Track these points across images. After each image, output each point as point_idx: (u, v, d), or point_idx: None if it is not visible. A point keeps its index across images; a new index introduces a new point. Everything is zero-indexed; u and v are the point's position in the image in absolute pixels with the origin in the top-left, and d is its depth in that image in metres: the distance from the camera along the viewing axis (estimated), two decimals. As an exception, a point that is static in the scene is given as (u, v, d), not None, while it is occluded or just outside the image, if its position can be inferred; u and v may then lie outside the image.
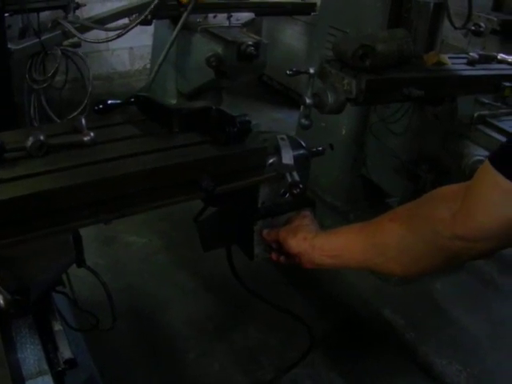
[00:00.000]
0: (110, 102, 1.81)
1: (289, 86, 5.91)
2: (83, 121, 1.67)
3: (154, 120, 1.79)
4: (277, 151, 1.76)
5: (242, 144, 1.69)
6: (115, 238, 3.76)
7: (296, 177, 1.70)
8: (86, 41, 3.69)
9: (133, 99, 1.84)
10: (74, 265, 1.76)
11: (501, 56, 3.16)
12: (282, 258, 1.77)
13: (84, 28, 3.88)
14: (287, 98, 5.93)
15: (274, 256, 1.80)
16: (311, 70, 2.54)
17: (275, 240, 1.75)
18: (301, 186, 1.68)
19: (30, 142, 1.55)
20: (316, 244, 1.62)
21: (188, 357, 2.95)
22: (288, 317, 2.22)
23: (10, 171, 1.48)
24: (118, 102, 1.83)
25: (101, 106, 1.79)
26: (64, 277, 1.85)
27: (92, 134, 1.62)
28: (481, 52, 3.19)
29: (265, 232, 1.80)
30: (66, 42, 4.12)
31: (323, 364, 2.96)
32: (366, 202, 3.83)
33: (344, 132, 3.69)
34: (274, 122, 5.39)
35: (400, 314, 3.31)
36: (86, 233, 1.71)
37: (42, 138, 1.56)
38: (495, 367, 3.03)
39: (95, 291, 2.13)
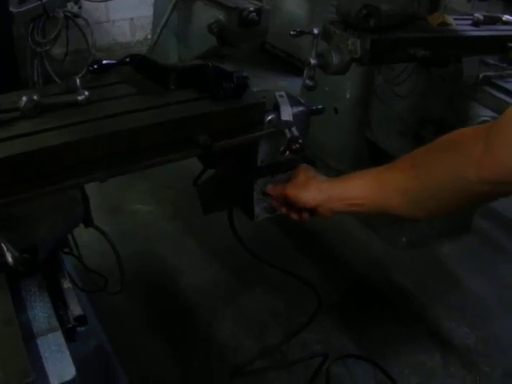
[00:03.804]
0: (105, 61, 1.78)
1: (291, 53, 5.86)
2: (78, 80, 1.64)
3: (150, 79, 1.76)
4: (275, 108, 1.73)
5: (240, 99, 1.66)
6: (121, 207, 3.76)
7: (295, 132, 1.68)
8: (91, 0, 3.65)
9: (128, 59, 1.81)
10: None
11: (506, 17, 3.11)
12: (292, 214, 1.73)
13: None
14: (290, 65, 5.88)
15: (283, 210, 1.76)
16: (315, 31, 2.50)
17: (282, 195, 1.71)
18: (300, 141, 1.65)
19: (23, 102, 1.52)
20: (333, 194, 1.59)
21: (197, 323, 2.95)
22: (296, 281, 2.21)
23: (4, 131, 1.46)
24: (114, 61, 1.80)
25: (96, 66, 1.76)
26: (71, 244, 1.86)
27: (87, 93, 1.59)
28: (485, 13, 3.14)
29: (270, 187, 1.76)
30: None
31: (333, 329, 2.96)
32: (370, 165, 3.80)
33: (348, 95, 3.66)
34: (278, 89, 5.34)
35: (409, 278, 3.31)
36: (91, 201, 1.70)
37: (35, 97, 1.54)
38: (503, 330, 3.04)
39: (102, 259, 2.14)
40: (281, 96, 1.76)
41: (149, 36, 5.52)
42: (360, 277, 3.32)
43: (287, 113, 1.72)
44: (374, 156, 3.74)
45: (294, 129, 1.68)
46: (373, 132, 3.65)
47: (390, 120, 3.45)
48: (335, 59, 2.55)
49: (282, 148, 1.74)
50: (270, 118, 1.71)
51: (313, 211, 1.66)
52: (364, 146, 3.76)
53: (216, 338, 2.87)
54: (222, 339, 2.87)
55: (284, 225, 3.51)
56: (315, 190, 1.62)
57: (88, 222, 1.67)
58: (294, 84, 5.00)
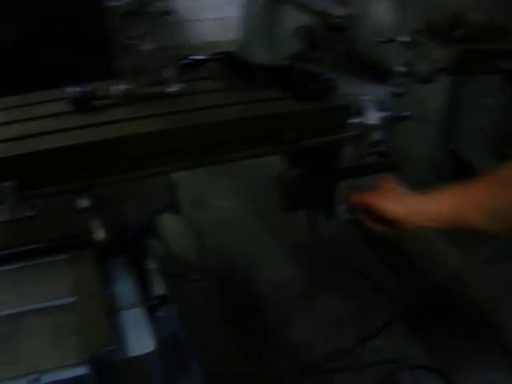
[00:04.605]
0: (196, 57, 1.84)
1: (378, 60, 5.83)
2: (169, 73, 1.71)
3: (239, 76, 1.81)
4: (361, 111, 1.75)
5: (326, 100, 1.68)
6: (204, 202, 3.83)
7: (379, 137, 1.69)
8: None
9: (217, 56, 1.87)
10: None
11: None
12: (370, 223, 1.73)
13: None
14: (376, 72, 5.85)
15: (361, 217, 1.76)
16: (403, 39, 2.51)
17: (363, 204, 1.72)
18: (384, 145, 1.67)
19: (117, 90, 1.61)
20: (415, 208, 1.57)
21: (270, 320, 2.97)
22: (372, 286, 2.21)
23: (98, 117, 1.55)
24: (204, 57, 1.86)
25: (187, 61, 1.83)
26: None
27: (178, 85, 1.65)
28: None
29: (351, 196, 1.77)
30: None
31: (406, 337, 2.93)
32: (453, 177, 3.75)
33: (434, 105, 3.62)
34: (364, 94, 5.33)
35: (488, 295, 3.24)
36: (176, 193, 1.75)
37: (128, 87, 1.61)
38: None
39: (182, 249, 2.20)
40: (367, 100, 1.78)
41: (235, 37, 5.60)
42: (437, 287, 3.28)
43: (373, 116, 1.73)
44: (457, 168, 3.69)
45: (378, 133, 1.70)
46: (457, 144, 3.60)
47: (474, 133, 3.39)
48: (421, 68, 2.54)
49: (366, 151, 1.75)
50: (355, 120, 1.73)
51: (391, 223, 1.66)
52: (447, 158, 3.71)
53: (289, 335, 2.88)
54: (295, 337, 2.88)
55: (363, 228, 3.50)
56: (396, 202, 1.62)
57: (176, 209, 1.73)
58: (380, 91, 4.99)
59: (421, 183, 3.70)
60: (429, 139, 3.72)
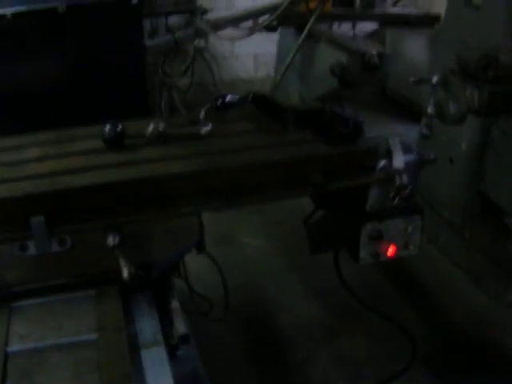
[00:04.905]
0: (228, 98, 1.87)
1: (411, 99, 5.82)
2: (202, 113, 1.74)
3: (269, 117, 1.84)
4: (388, 154, 1.76)
5: (354, 144, 1.70)
6: (231, 239, 3.86)
7: (405, 180, 1.70)
8: (219, 38, 3.86)
9: (250, 97, 1.89)
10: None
11: None
12: None
13: (216, 26, 4.05)
14: (409, 111, 5.85)
15: None
16: (434, 79, 2.52)
17: None
18: (410, 188, 1.68)
19: (149, 130, 1.65)
20: None
21: (292, 359, 2.96)
22: (394, 328, 2.20)
23: (130, 155, 1.59)
24: (236, 99, 1.89)
25: (219, 102, 1.86)
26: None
27: (209, 126, 1.69)
28: None
29: None
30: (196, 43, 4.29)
31: (426, 382, 2.90)
32: (482, 219, 3.72)
33: (464, 147, 3.61)
34: (394, 135, 5.30)
35: (510, 339, 3.19)
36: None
37: (161, 127, 1.65)
38: None
39: (206, 288, 2.22)
40: (394, 143, 1.79)
41: (271, 74, 5.66)
42: (459, 330, 3.24)
43: (399, 160, 1.74)
44: (486, 210, 3.67)
45: (404, 176, 1.71)
46: (486, 185, 3.58)
47: (504, 174, 3.37)
48: (452, 109, 2.54)
49: (392, 194, 1.76)
50: (382, 164, 1.74)
51: None
52: (477, 199, 3.69)
53: (309, 375, 2.87)
54: (316, 376, 2.87)
55: (387, 270, 3.49)
56: None
57: (201, 248, 1.75)
58: (412, 131, 4.98)
59: (449, 224, 3.71)
60: (457, 180, 3.70)
